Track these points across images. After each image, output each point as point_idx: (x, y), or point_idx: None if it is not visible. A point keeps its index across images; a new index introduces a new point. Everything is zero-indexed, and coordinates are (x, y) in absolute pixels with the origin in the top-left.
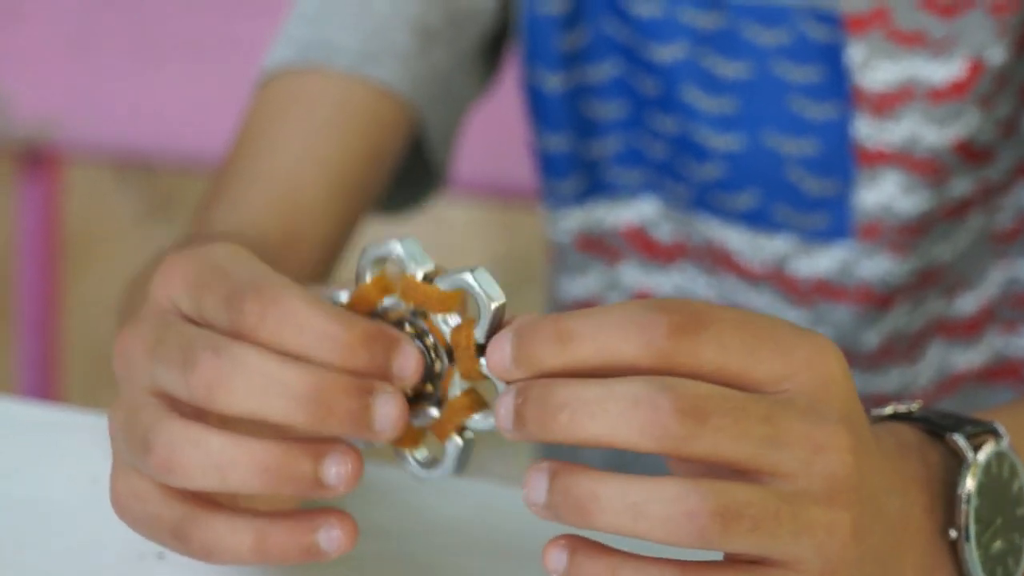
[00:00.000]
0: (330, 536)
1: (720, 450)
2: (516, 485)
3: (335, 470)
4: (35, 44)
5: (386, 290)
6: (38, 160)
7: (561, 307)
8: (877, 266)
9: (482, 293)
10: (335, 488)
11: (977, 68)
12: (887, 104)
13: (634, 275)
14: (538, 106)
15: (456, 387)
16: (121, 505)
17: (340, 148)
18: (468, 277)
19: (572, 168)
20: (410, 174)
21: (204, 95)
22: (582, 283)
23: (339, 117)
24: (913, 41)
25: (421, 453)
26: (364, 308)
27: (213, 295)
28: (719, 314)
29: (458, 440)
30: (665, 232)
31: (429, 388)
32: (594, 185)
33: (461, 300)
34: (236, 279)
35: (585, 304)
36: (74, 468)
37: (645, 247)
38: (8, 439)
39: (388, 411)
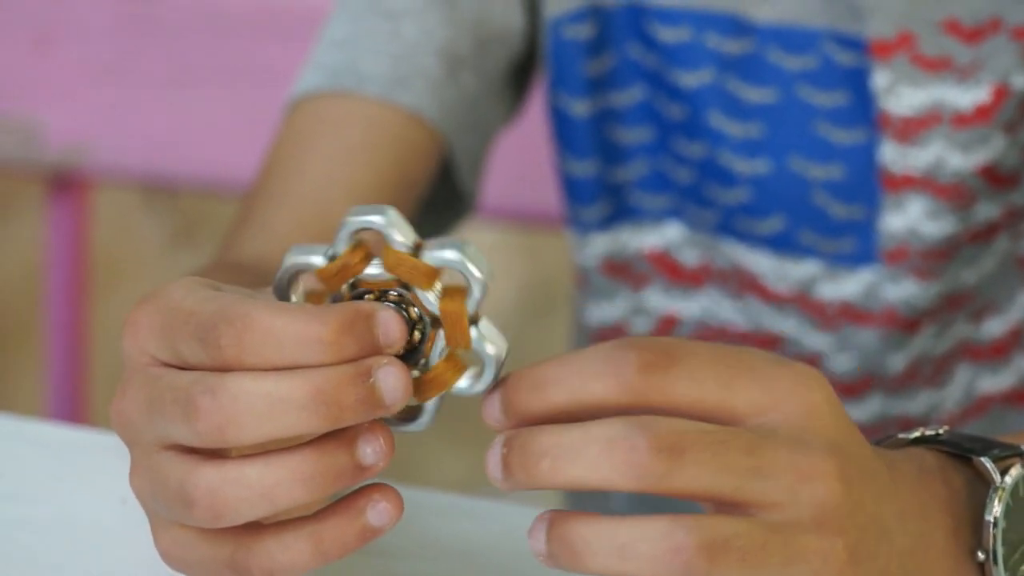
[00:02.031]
0: (378, 511)
1: (702, 484)
2: (535, 507)
3: (369, 449)
4: (64, 70)
5: (366, 257)
6: (67, 184)
7: (587, 332)
8: (903, 290)
9: (471, 268)
10: (376, 467)
11: (1002, 93)
12: (913, 129)
13: (659, 299)
14: (564, 131)
15: (437, 353)
16: (172, 558)
17: (369, 173)
18: (454, 254)
19: (598, 193)
20: (438, 199)
21: (231, 121)
22: (608, 308)
23: (368, 142)
24: (938, 66)
25: (466, 376)
26: (343, 275)
27: (185, 338)
28: (691, 349)
29: (476, 331)
30: (690, 256)
31: (415, 339)
32: (619, 210)
33: (441, 272)
34: (201, 315)
35: (611, 329)
36: (102, 489)
37: (670, 271)
38: (36, 461)
39: (393, 382)
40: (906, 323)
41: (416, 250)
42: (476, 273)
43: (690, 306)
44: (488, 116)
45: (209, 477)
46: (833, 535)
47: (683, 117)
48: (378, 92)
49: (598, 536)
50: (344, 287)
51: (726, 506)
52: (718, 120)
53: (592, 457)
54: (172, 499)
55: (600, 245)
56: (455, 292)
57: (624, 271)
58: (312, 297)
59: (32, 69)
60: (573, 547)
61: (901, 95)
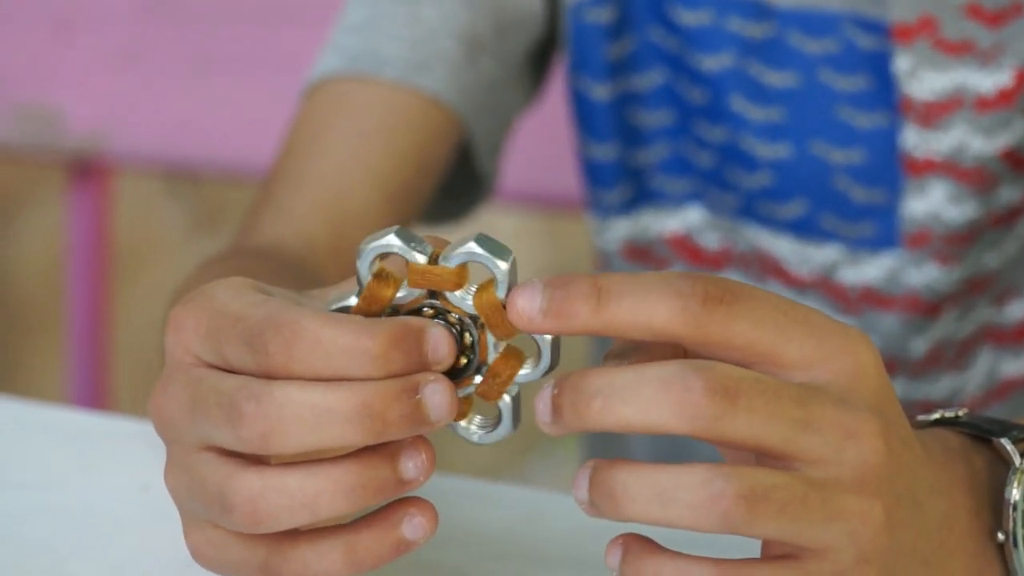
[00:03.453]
0: (413, 525)
1: (753, 432)
2: (562, 493)
3: (411, 464)
4: (85, 57)
5: (395, 283)
6: (88, 171)
7: None
8: (925, 274)
9: (491, 258)
10: (416, 481)
11: None
12: (935, 113)
13: None
14: (584, 115)
15: (491, 351)
16: (202, 557)
17: (388, 156)
18: (473, 247)
19: (619, 177)
20: (457, 183)
21: (252, 107)
22: None
23: (387, 125)
24: (960, 50)
25: (477, 420)
26: (378, 306)
27: (232, 342)
28: (754, 291)
29: (507, 398)
30: (712, 240)
31: (463, 361)
32: (641, 194)
33: (468, 272)
34: (249, 320)
35: None
36: (124, 476)
37: (692, 255)
38: (58, 447)
39: (439, 400)
40: (928, 307)
41: (435, 259)
42: (498, 262)
43: None
44: (507, 100)
45: (250, 483)
46: (872, 497)
47: (704, 101)
48: (396, 76)
49: (637, 482)
50: (419, 293)
51: (769, 458)
52: (740, 104)
53: (646, 397)
54: (210, 502)
55: (621, 229)
56: (486, 285)
57: (645, 255)
58: (384, 280)
59: (52, 56)
60: (612, 493)
61: (923, 79)
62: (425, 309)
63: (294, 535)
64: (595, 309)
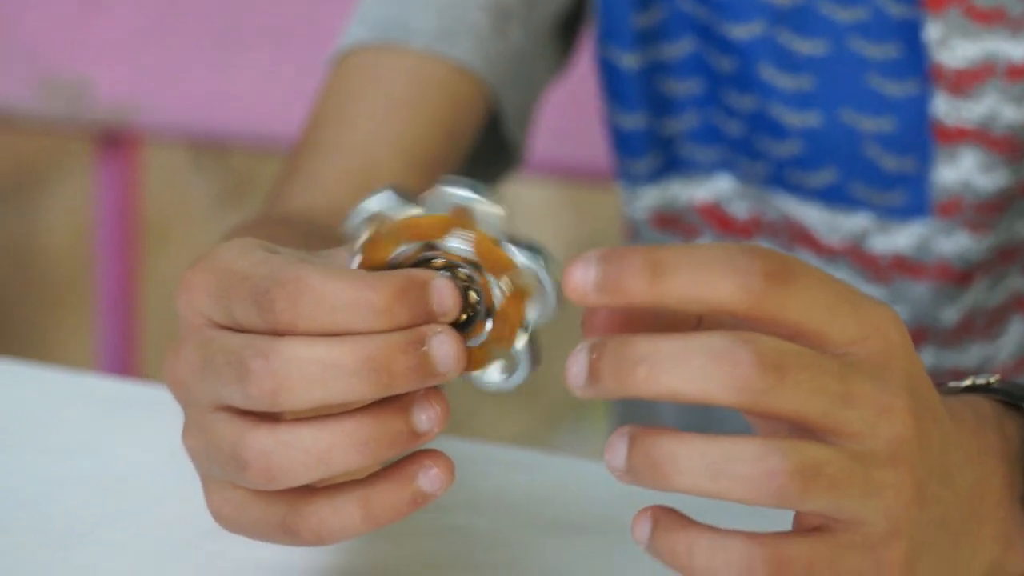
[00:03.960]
0: (429, 477)
1: (798, 405)
2: (591, 461)
3: (425, 416)
4: (114, 29)
5: (390, 242)
6: (117, 142)
7: None
8: (955, 243)
9: (466, 194)
10: (431, 433)
11: None
12: (966, 82)
13: None
14: (613, 84)
15: (497, 291)
16: (222, 518)
17: (415, 124)
18: (445, 189)
19: (648, 146)
20: (486, 153)
21: (281, 78)
22: None
23: (415, 94)
24: (991, 19)
25: (495, 367)
26: (377, 264)
27: (240, 301)
28: (806, 269)
29: (523, 340)
30: (741, 208)
31: (471, 311)
32: (670, 163)
33: (461, 216)
34: (255, 278)
35: None
36: (153, 443)
37: (721, 223)
38: (88, 415)
39: (446, 350)
40: (959, 276)
41: (500, 239)
42: (471, 194)
43: None
44: (536, 69)
45: (263, 440)
46: (904, 472)
47: (733, 69)
48: (425, 45)
49: (688, 453)
50: (416, 247)
51: (806, 432)
52: (769, 72)
53: (694, 368)
54: (225, 460)
55: (650, 198)
56: (470, 224)
57: (674, 224)
58: (378, 240)
59: (81, 27)
60: (658, 463)
61: (954, 47)
62: (431, 262)
63: (310, 491)
64: (651, 284)
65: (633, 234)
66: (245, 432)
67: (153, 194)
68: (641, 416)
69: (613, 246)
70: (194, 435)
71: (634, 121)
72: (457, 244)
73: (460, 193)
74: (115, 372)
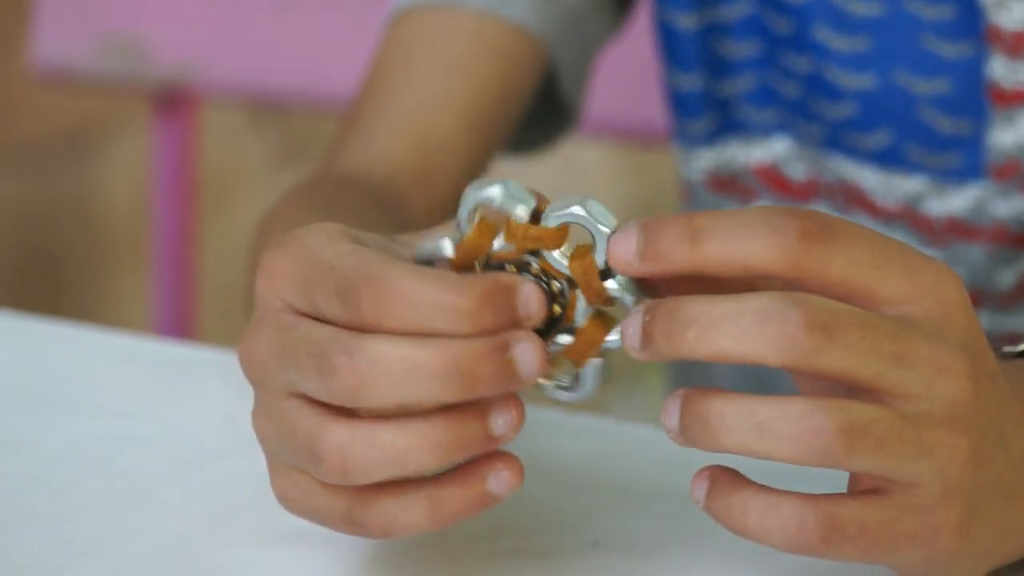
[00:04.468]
0: (499, 479)
1: (848, 366)
2: (643, 425)
3: (502, 421)
4: None
5: (493, 234)
6: (175, 102)
7: None
8: (1012, 206)
9: (594, 222)
10: (505, 438)
11: None
12: (1023, 44)
13: None
14: (670, 45)
15: (581, 314)
16: (288, 501)
17: (472, 85)
18: (578, 210)
19: (704, 107)
20: (542, 113)
21: (340, 38)
22: None
23: (471, 54)
24: None
25: (561, 378)
26: (473, 255)
27: (324, 292)
28: (851, 227)
29: (595, 362)
30: (798, 171)
31: (556, 311)
32: (726, 124)
33: (569, 232)
34: (342, 271)
35: None
36: (209, 406)
37: (778, 185)
38: (143, 378)
39: (529, 358)
40: (1015, 239)
41: (537, 216)
42: (601, 227)
43: None
44: (592, 29)
45: (340, 435)
46: (960, 433)
47: (790, 31)
48: (481, 5)
49: (736, 412)
50: (477, 266)
51: (860, 392)
52: (824, 34)
53: (744, 328)
54: (299, 450)
55: (706, 160)
56: (584, 249)
57: (731, 185)
58: (483, 232)
59: None
60: (708, 423)
61: (1011, 8)
62: (517, 266)
63: (379, 487)
64: (691, 249)
65: (689, 196)
66: (322, 425)
67: (211, 154)
68: (695, 379)
69: (670, 208)
70: (265, 418)
71: (691, 82)
72: (558, 259)
73: (576, 213)
74: (171, 334)
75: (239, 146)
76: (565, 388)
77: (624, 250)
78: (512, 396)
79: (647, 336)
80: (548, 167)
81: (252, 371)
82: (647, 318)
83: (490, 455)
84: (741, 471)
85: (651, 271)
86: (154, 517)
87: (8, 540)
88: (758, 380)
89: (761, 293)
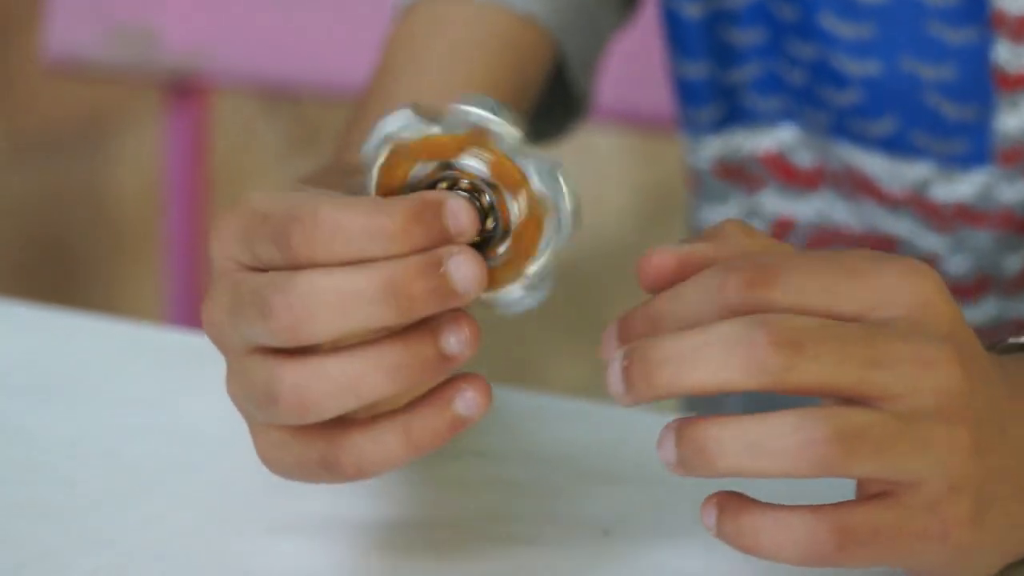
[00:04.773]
0: (466, 400)
1: (823, 378)
2: (649, 413)
3: (454, 339)
4: None
5: (405, 161)
6: (186, 91)
7: (701, 235)
8: (1018, 191)
9: (482, 113)
10: (461, 356)
11: None
12: None
13: (774, 202)
14: (676, 33)
15: (515, 212)
16: (269, 461)
17: (481, 74)
18: (459, 107)
19: (711, 95)
20: (552, 104)
21: (352, 26)
22: (722, 211)
23: (482, 44)
24: None
25: (511, 289)
26: (395, 188)
27: (261, 239)
28: (789, 262)
29: (539, 262)
30: (804, 158)
31: (490, 224)
32: (733, 112)
33: (479, 136)
34: (275, 215)
35: None
36: (219, 395)
37: (785, 173)
38: (154, 368)
39: (465, 271)
40: (1022, 224)
41: (517, 158)
42: (488, 115)
43: (805, 209)
44: (601, 18)
45: (292, 373)
46: (957, 422)
47: (795, 18)
48: None
49: (728, 435)
50: (433, 166)
51: (848, 400)
52: (830, 21)
53: (713, 359)
54: (260, 399)
55: (713, 148)
56: (488, 143)
57: (738, 174)
58: (394, 161)
59: None
60: (703, 449)
61: None
62: (448, 186)
63: (348, 425)
64: (671, 383)
65: (696, 184)
66: (275, 367)
67: (223, 143)
68: None
69: (681, 196)
70: (233, 379)
71: (697, 70)
72: (474, 163)
73: (477, 112)
74: (182, 322)
75: (251, 135)
76: (521, 296)
77: (615, 386)
78: (463, 314)
79: (628, 381)
80: (561, 153)
81: (213, 334)
82: (626, 363)
83: (456, 378)
84: (749, 492)
85: (639, 402)
86: (163, 507)
87: (17, 531)
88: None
89: (729, 320)
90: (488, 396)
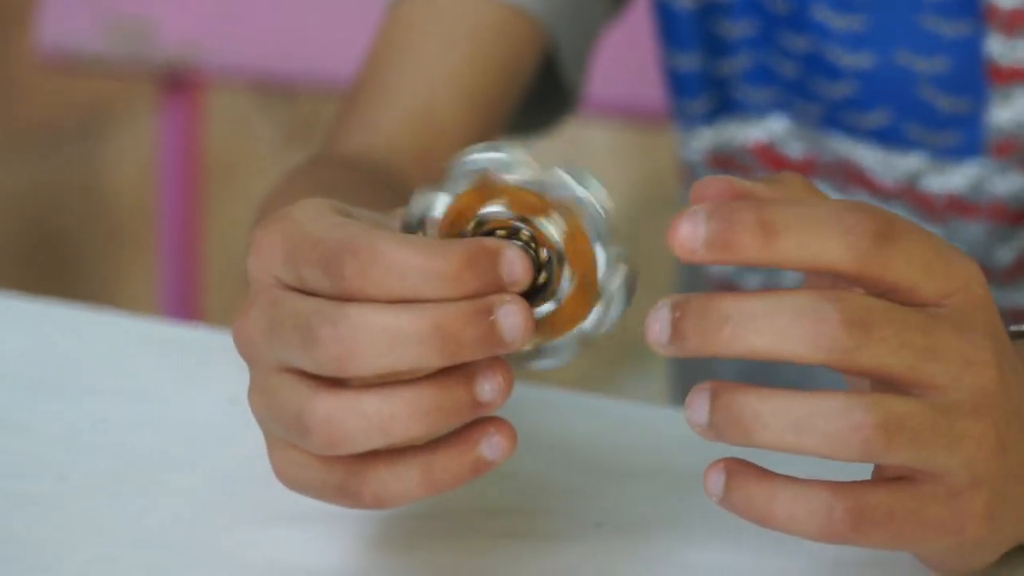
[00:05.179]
0: (492, 444)
1: (883, 361)
2: (651, 405)
3: (488, 386)
4: None
5: (486, 197)
6: (180, 85)
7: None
8: (1010, 183)
9: (583, 191)
10: (493, 403)
11: None
12: (1019, 21)
13: None
14: (668, 25)
15: (566, 285)
16: (285, 477)
17: (473, 66)
18: (565, 178)
19: (702, 87)
20: (543, 95)
21: (346, 20)
22: None
23: (472, 35)
24: None
25: (538, 346)
26: (463, 217)
27: (310, 264)
28: (909, 227)
29: (573, 333)
30: (796, 149)
31: (542, 279)
32: (724, 104)
33: (564, 203)
34: (327, 243)
35: None
36: (213, 388)
37: (776, 164)
38: (150, 359)
39: (514, 321)
40: (1014, 216)
41: (530, 183)
42: (590, 196)
43: None
44: (592, 10)
45: (326, 406)
46: (987, 423)
47: (788, 10)
48: None
49: (772, 409)
50: (470, 227)
51: (891, 385)
52: (823, 13)
53: (780, 327)
54: (289, 424)
55: (705, 139)
56: (573, 215)
57: (729, 164)
58: (468, 198)
59: None
60: (742, 419)
61: None
62: (508, 233)
63: (372, 456)
64: (764, 243)
65: (689, 176)
66: (309, 397)
67: (217, 137)
68: (695, 364)
69: (673, 188)
70: (258, 394)
71: (689, 62)
72: (552, 230)
73: (565, 181)
74: (177, 316)
75: (245, 129)
76: (538, 356)
77: (689, 236)
78: (499, 361)
79: (678, 332)
80: (555, 146)
81: (244, 348)
82: (677, 314)
83: (483, 421)
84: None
85: (717, 260)
86: (159, 499)
87: (13, 522)
88: (753, 366)
89: (796, 290)
90: (514, 441)
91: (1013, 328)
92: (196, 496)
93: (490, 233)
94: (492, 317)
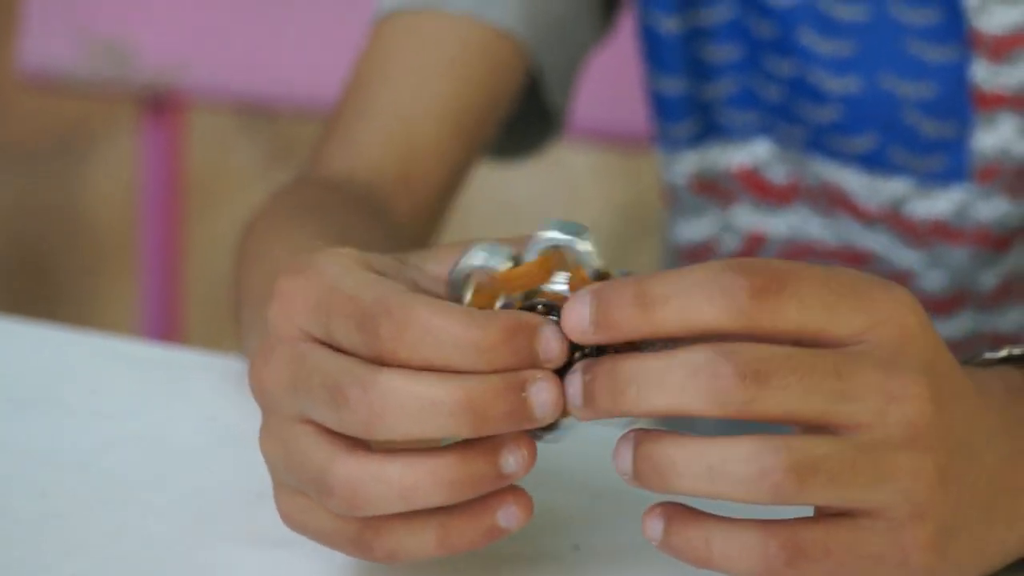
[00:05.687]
0: (508, 514)
1: (787, 408)
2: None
3: (512, 459)
4: None
5: (551, 271)
6: (161, 106)
7: (676, 250)
8: (994, 208)
9: (569, 239)
10: (516, 476)
11: None
12: (1004, 47)
13: (748, 217)
14: (653, 49)
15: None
16: (291, 521)
17: (456, 89)
18: (548, 234)
19: (687, 111)
20: (527, 119)
21: (328, 41)
22: (697, 226)
23: (455, 58)
24: None
25: (559, 418)
26: (525, 285)
27: (342, 321)
28: (798, 272)
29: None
30: (779, 173)
31: (576, 357)
32: (708, 127)
33: (556, 260)
34: (362, 301)
35: (700, 246)
36: (194, 408)
37: (759, 188)
38: (130, 379)
39: (546, 398)
40: (997, 241)
41: (601, 276)
42: (576, 240)
43: (778, 223)
44: (578, 34)
45: (350, 470)
46: (923, 454)
47: (773, 35)
48: (466, 8)
49: (685, 457)
50: (519, 295)
51: (813, 427)
52: (809, 38)
53: (678, 384)
54: (308, 480)
55: (689, 163)
56: (575, 269)
57: (713, 188)
58: (481, 295)
59: None
60: (660, 467)
61: (993, 13)
62: (539, 307)
63: (389, 515)
64: (643, 316)
65: (672, 200)
66: (332, 458)
67: (198, 158)
68: None
69: (657, 213)
70: (274, 441)
71: (673, 86)
72: (556, 286)
73: (549, 237)
74: (157, 336)
75: (226, 150)
76: (555, 430)
77: (577, 320)
78: (523, 435)
79: (589, 395)
80: (538, 169)
81: (263, 397)
82: (588, 377)
83: (502, 490)
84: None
85: (605, 340)
86: (137, 518)
87: None
88: None
89: (694, 347)
90: (530, 512)
91: (987, 355)
92: (175, 515)
93: (531, 308)
94: (524, 393)
